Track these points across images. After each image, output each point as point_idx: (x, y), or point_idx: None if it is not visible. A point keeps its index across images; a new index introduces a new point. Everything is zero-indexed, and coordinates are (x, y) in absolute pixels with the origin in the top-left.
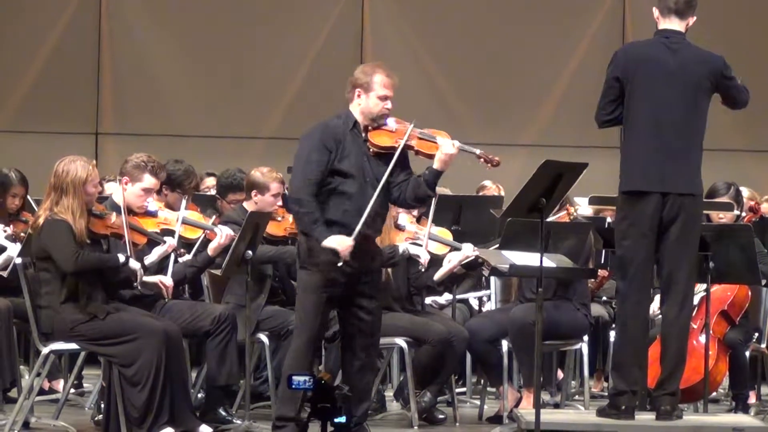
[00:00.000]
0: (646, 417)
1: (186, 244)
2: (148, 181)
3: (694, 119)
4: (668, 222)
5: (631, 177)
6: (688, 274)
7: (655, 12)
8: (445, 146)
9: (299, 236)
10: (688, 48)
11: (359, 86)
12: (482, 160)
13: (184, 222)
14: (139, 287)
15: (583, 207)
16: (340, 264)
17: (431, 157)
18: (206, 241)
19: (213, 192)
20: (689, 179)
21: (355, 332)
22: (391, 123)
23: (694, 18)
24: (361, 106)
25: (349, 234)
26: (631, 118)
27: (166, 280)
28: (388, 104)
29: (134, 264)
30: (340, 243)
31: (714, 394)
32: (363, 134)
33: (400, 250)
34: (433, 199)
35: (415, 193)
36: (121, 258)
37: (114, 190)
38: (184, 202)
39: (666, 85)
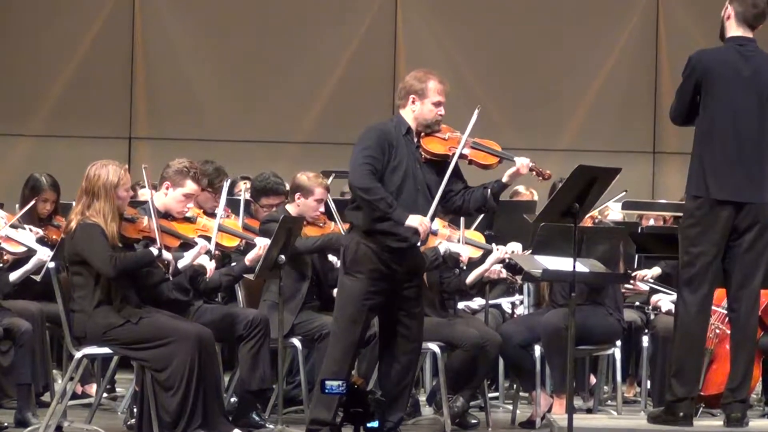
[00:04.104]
0: (703, 423)
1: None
2: (190, 186)
3: (766, 128)
4: (742, 231)
5: (707, 184)
6: (759, 281)
7: (726, 11)
8: (521, 166)
9: (347, 240)
10: (761, 56)
11: (414, 93)
12: (534, 173)
13: (223, 230)
14: (171, 278)
15: (615, 212)
16: (418, 243)
17: (484, 167)
18: (244, 250)
19: (246, 196)
20: (764, 188)
21: (399, 337)
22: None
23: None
24: (415, 113)
25: (402, 239)
26: (707, 125)
27: (209, 264)
28: (442, 110)
29: (167, 255)
30: (422, 222)
31: None
32: (416, 140)
33: (441, 251)
34: None
35: (481, 204)
36: (154, 251)
37: (148, 195)
38: (221, 210)
39: (741, 93)
